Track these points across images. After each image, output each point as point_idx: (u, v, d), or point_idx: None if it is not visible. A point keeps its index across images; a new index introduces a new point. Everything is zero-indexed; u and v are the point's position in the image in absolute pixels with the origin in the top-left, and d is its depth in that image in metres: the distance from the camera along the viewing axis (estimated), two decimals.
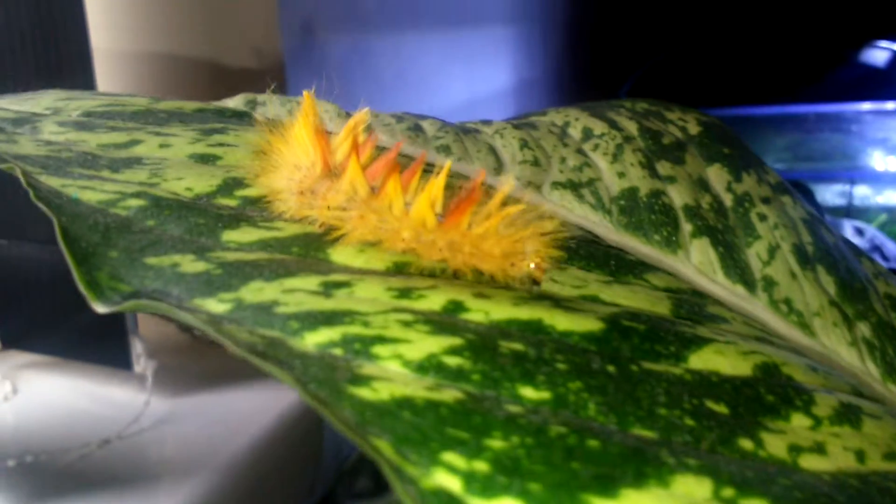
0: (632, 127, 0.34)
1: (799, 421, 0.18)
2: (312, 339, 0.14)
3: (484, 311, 0.16)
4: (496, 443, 0.13)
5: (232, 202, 0.19)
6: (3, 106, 0.24)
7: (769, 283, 0.27)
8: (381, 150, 0.24)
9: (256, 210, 0.19)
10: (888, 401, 0.25)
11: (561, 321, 0.17)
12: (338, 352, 0.14)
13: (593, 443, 0.14)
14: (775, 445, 0.17)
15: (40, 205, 0.16)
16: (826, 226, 0.32)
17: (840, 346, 0.26)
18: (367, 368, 0.14)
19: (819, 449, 0.17)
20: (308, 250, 0.18)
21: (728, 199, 0.31)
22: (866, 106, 1.32)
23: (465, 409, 0.13)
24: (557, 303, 0.18)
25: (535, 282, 0.18)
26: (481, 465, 0.12)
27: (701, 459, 0.15)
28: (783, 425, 0.18)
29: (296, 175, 0.19)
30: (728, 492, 0.14)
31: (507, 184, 0.18)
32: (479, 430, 0.13)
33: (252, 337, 0.14)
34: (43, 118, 0.23)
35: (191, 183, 0.20)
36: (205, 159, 0.22)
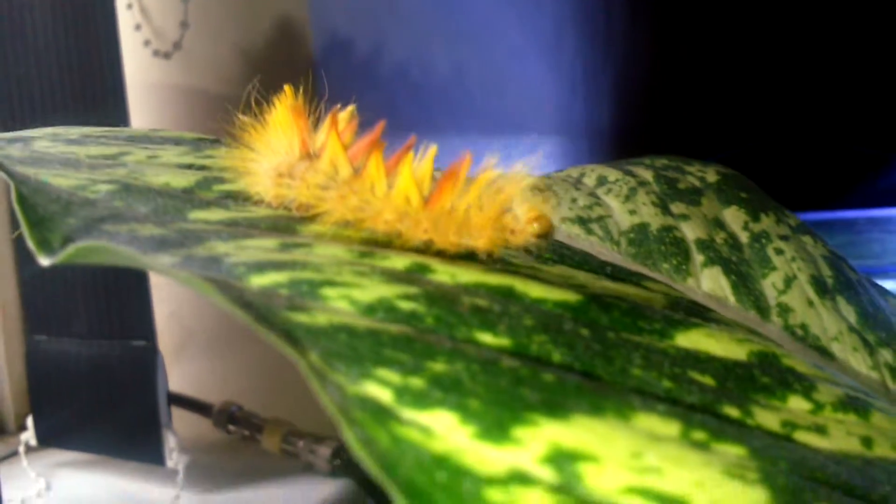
0: (648, 175, 0.33)
1: (797, 403, 0.17)
2: (257, 281, 0.14)
3: (450, 273, 0.16)
4: (438, 365, 0.12)
5: (209, 195, 0.19)
6: (4, 134, 0.24)
7: (784, 310, 0.26)
8: None
9: (232, 200, 0.19)
10: None
11: (535, 289, 0.16)
12: (283, 292, 0.13)
13: (548, 377, 0.13)
14: (766, 418, 0.15)
15: (1, 173, 0.16)
16: (849, 265, 0.31)
17: (859, 370, 0.24)
18: (310, 303, 0.13)
19: (819, 430, 0.16)
20: (277, 225, 0.17)
21: (744, 237, 0.30)
22: None
23: (408, 338, 0.13)
24: (534, 276, 0.17)
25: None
26: (417, 381, 0.11)
27: (668, 406, 0.13)
28: (778, 404, 0.16)
29: (273, 158, 0.18)
30: (699, 435, 0.13)
31: (490, 161, 0.18)
32: (420, 353, 0.12)
33: (194, 278, 0.13)
34: (38, 139, 0.23)
35: (168, 179, 0.20)
36: (190, 167, 0.22)
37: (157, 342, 0.55)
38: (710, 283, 0.27)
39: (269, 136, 0.19)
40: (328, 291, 0.14)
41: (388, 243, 0.17)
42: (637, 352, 0.15)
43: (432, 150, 0.17)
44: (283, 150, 0.18)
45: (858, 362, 0.25)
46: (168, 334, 0.67)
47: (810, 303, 0.27)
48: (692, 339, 0.17)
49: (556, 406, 0.12)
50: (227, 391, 0.64)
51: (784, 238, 0.30)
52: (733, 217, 0.31)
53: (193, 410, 0.67)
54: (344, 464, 0.55)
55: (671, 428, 0.13)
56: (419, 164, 0.17)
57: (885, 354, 0.25)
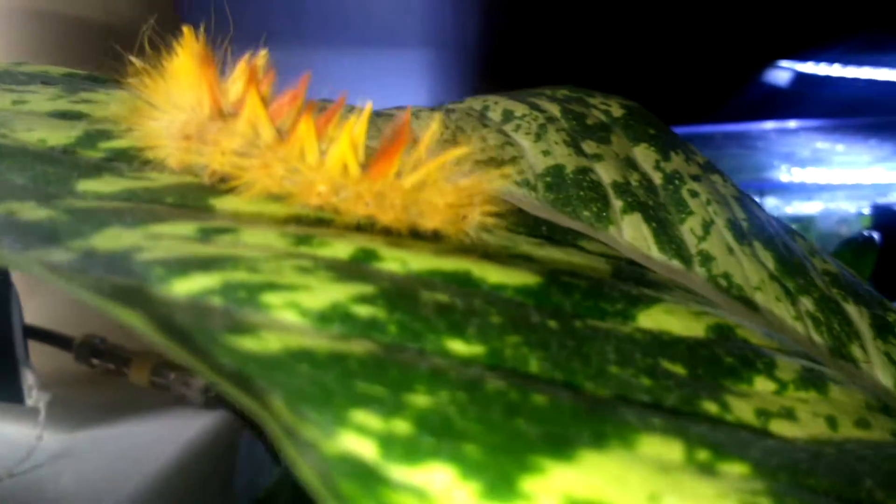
0: (554, 109, 0.32)
1: (763, 385, 0.16)
2: (183, 287, 0.11)
3: (400, 260, 0.14)
4: (420, 398, 0.10)
5: (96, 154, 0.16)
6: None
7: (706, 258, 0.25)
8: None
9: (125, 162, 0.16)
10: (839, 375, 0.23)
11: (492, 273, 0.14)
12: (216, 301, 0.11)
13: (539, 399, 0.11)
14: (742, 409, 0.14)
15: None
16: (757, 204, 0.31)
17: (785, 321, 0.24)
18: (254, 317, 0.11)
19: (788, 415, 0.15)
20: (185, 199, 0.15)
21: (657, 178, 0.29)
22: (770, 125, 1.35)
23: (378, 362, 0.10)
24: (486, 255, 0.15)
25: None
26: (402, 425, 0.09)
27: (665, 420, 0.12)
28: (746, 388, 0.15)
29: (177, 117, 0.15)
30: (703, 455, 0.11)
31: (435, 122, 0.16)
32: (397, 384, 0.10)
33: (104, 285, 0.11)
34: None
35: (44, 135, 0.16)
36: (67, 115, 0.18)
37: (10, 271, 0.51)
38: (631, 231, 0.25)
39: (168, 86, 0.16)
40: (270, 298, 0.11)
41: (323, 221, 0.15)
42: (608, 343, 0.14)
43: (368, 107, 0.15)
44: (188, 106, 0.15)
45: (783, 313, 0.24)
46: None
47: (730, 249, 0.26)
48: (654, 318, 0.16)
49: (559, 442, 0.10)
50: (89, 323, 0.60)
51: (696, 178, 0.29)
52: (644, 156, 0.30)
53: (53, 344, 0.62)
54: (218, 395, 0.52)
55: (675, 450, 0.11)
56: (353, 123, 0.15)
57: (806, 302, 0.25)
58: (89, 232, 0.12)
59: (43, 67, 0.22)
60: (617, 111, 0.33)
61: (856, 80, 1.38)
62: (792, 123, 1.39)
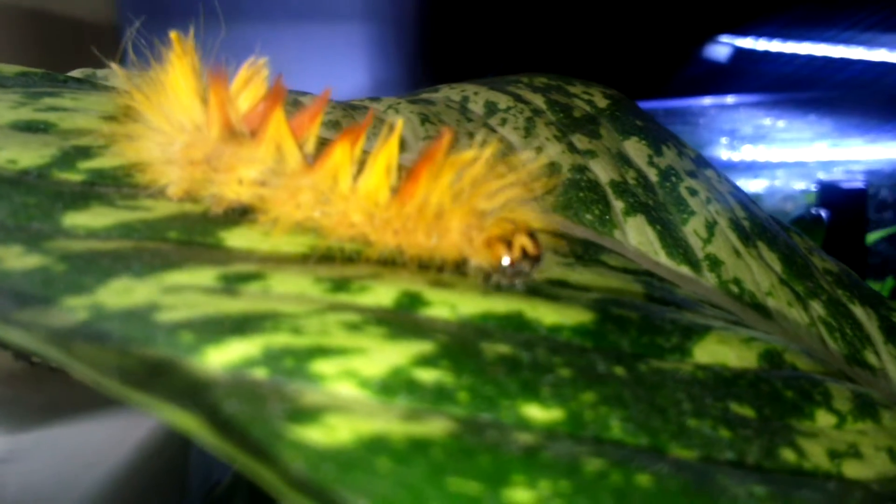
0: (538, 100, 0.30)
1: (825, 419, 0.15)
2: (219, 357, 0.09)
3: (449, 305, 0.12)
4: (521, 494, 0.08)
5: (75, 176, 0.14)
6: None
7: (714, 263, 0.24)
8: None
9: (112, 186, 0.14)
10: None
11: (546, 313, 0.13)
12: (261, 373, 0.09)
13: (643, 479, 0.09)
14: (816, 454, 0.13)
15: None
16: (752, 200, 0.30)
17: (799, 328, 0.23)
18: (311, 395, 0.09)
19: (855, 453, 0.14)
20: (192, 235, 0.13)
21: (652, 174, 0.28)
22: (708, 100, 1.36)
23: (463, 447, 0.09)
24: (532, 289, 0.13)
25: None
26: None
27: (765, 485, 0.11)
28: (811, 426, 0.14)
29: (179, 138, 0.13)
30: None
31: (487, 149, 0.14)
32: (493, 476, 0.09)
33: (125, 359, 0.09)
34: None
35: (14, 154, 0.14)
36: (33, 127, 0.16)
37: None
38: (636, 235, 0.24)
39: (161, 99, 0.14)
40: (323, 366, 0.10)
41: (349, 256, 0.13)
42: (679, 390, 0.12)
43: (399, 124, 0.13)
44: (190, 125, 0.13)
45: (796, 319, 0.23)
46: None
47: (737, 252, 0.25)
48: (709, 351, 0.14)
49: None
50: None
51: (692, 175, 0.28)
52: (636, 150, 0.29)
53: None
54: None
55: None
56: (382, 143, 0.13)
57: (816, 307, 0.24)
58: (93, 285, 0.10)
59: None
60: (601, 101, 0.31)
61: (794, 56, 1.39)
62: (730, 99, 1.40)
